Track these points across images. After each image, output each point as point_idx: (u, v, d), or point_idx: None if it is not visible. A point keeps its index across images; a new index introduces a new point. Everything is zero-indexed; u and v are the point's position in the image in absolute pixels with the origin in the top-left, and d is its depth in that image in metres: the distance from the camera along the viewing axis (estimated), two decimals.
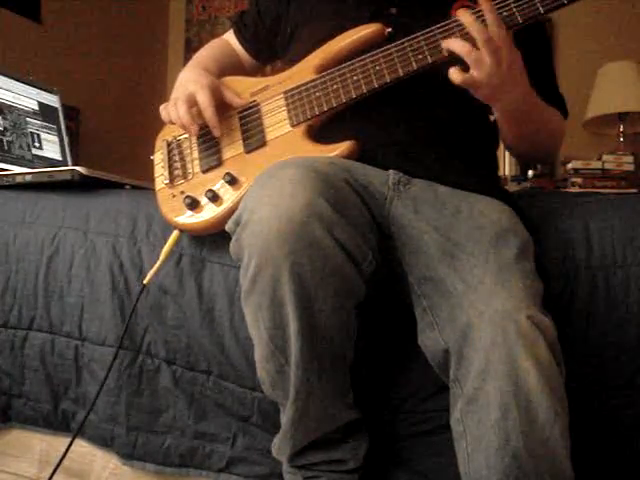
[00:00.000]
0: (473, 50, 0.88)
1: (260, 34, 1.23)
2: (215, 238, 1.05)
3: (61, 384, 1.14)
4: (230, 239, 0.87)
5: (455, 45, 0.90)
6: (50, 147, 1.75)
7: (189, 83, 1.06)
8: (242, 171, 1.02)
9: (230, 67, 1.24)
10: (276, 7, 1.18)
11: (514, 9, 0.91)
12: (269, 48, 1.24)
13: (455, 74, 0.90)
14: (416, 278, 0.90)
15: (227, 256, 0.95)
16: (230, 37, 1.29)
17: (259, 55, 1.28)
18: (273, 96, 1.05)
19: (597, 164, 2.56)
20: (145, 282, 1.06)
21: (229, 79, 1.13)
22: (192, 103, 1.03)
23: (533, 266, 0.87)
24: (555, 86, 1.14)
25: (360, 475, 0.94)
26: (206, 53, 1.26)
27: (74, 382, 1.14)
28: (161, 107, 1.07)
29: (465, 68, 0.90)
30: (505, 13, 0.91)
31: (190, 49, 3.48)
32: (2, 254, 1.19)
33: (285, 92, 1.03)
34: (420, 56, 0.95)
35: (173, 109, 1.04)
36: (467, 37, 0.90)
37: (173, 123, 1.06)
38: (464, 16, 0.90)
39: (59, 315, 1.14)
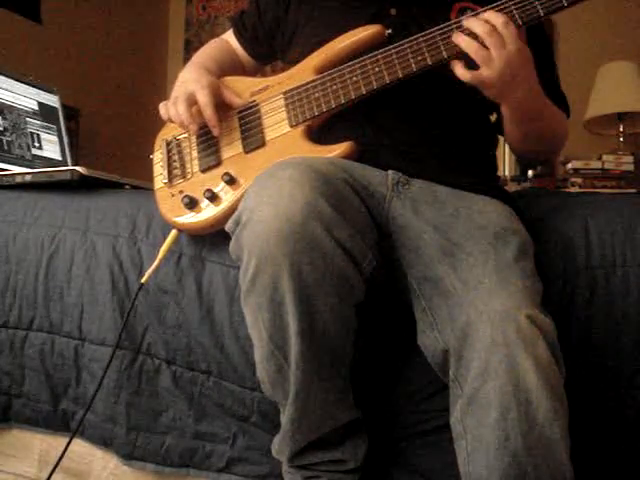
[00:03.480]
0: (480, 48, 0.88)
1: (260, 34, 1.23)
2: (215, 238, 1.05)
3: (61, 384, 1.14)
4: (230, 239, 0.87)
5: (461, 41, 0.89)
6: (50, 147, 1.75)
7: (189, 82, 1.06)
8: (241, 171, 1.02)
9: (230, 67, 1.24)
10: (276, 7, 1.18)
11: (519, 8, 0.90)
12: (268, 48, 1.24)
13: (463, 72, 0.89)
14: (415, 278, 0.90)
15: (227, 256, 0.95)
16: (230, 37, 1.29)
17: (258, 55, 1.28)
18: (273, 96, 1.05)
19: (597, 164, 2.56)
20: (143, 281, 1.06)
21: (229, 79, 1.13)
22: (192, 102, 1.03)
23: (533, 266, 0.87)
24: (557, 85, 1.14)
25: (360, 475, 0.94)
26: (206, 53, 1.26)
27: (74, 382, 1.14)
28: (160, 105, 1.07)
29: (469, 65, 0.90)
30: (515, 12, 0.90)
31: (190, 49, 3.49)
32: (2, 254, 1.19)
33: (285, 92, 1.03)
34: (420, 58, 0.95)
35: (172, 107, 1.04)
36: (474, 37, 0.90)
37: (172, 121, 1.06)
38: (469, 20, 0.90)
39: (59, 315, 1.14)
